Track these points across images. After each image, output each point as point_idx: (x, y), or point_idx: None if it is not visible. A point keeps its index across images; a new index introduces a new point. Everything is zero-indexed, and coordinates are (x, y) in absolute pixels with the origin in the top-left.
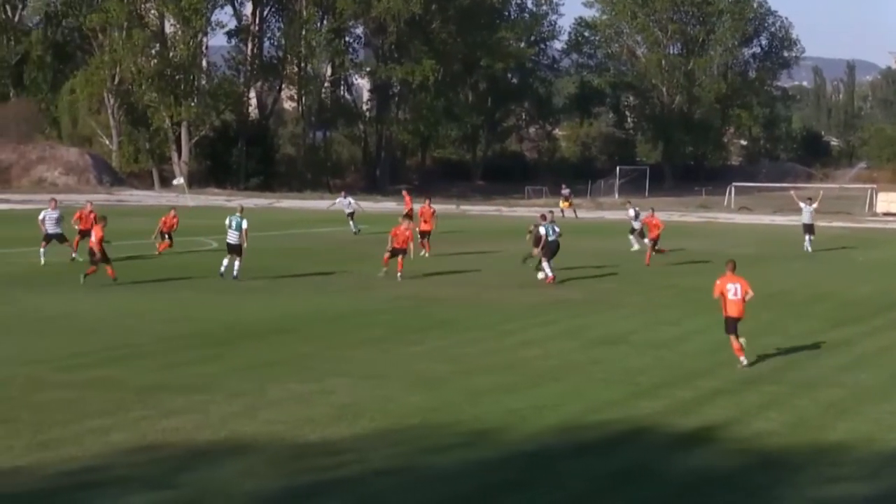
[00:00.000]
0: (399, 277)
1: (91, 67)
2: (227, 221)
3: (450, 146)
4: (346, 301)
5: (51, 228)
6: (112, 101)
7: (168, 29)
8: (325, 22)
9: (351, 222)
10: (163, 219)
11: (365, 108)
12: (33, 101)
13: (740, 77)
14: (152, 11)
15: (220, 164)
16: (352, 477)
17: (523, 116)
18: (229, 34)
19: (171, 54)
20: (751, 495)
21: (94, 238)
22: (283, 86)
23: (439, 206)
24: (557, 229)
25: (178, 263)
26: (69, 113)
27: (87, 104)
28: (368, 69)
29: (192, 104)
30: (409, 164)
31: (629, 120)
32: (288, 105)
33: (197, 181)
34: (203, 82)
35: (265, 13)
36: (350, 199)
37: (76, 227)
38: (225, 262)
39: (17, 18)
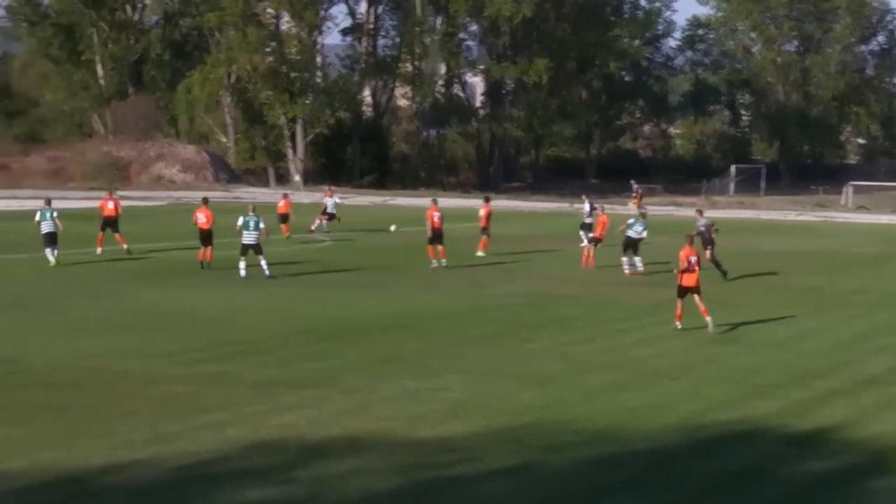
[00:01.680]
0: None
1: (208, 66)
2: (240, 221)
3: (563, 144)
4: (460, 298)
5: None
6: (228, 98)
7: (283, 27)
8: (439, 21)
9: (322, 220)
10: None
11: (478, 106)
12: (152, 99)
13: (857, 75)
14: (268, 10)
15: (335, 162)
16: (465, 474)
17: (637, 114)
18: (344, 32)
19: (286, 52)
20: (866, 499)
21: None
22: (398, 84)
23: (552, 205)
24: (639, 227)
25: (292, 259)
26: (187, 111)
27: (204, 102)
28: (482, 67)
29: (307, 102)
30: (523, 163)
31: (744, 118)
32: (402, 103)
33: (312, 178)
34: (318, 80)
35: (379, 11)
36: (336, 200)
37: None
38: (242, 264)
39: (136, 17)
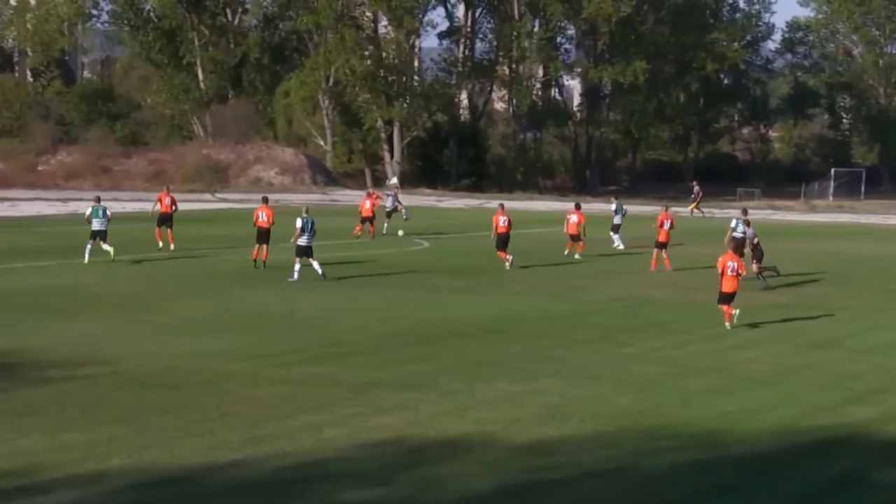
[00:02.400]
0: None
1: (305, 69)
2: (298, 223)
3: (661, 147)
4: (558, 301)
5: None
6: (326, 101)
7: (381, 30)
8: (536, 24)
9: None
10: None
11: (575, 108)
12: (251, 103)
13: None
14: (366, 14)
15: (432, 165)
16: (562, 478)
17: (735, 117)
18: (441, 35)
19: (383, 55)
20: None
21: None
22: (495, 87)
23: (649, 208)
24: (742, 227)
25: (390, 262)
26: (285, 114)
27: (301, 105)
28: (579, 70)
29: (404, 105)
30: (620, 165)
31: (845, 121)
32: (499, 106)
33: (408, 181)
34: (415, 83)
35: (477, 14)
36: (391, 195)
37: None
38: (297, 267)
39: (236, 21)
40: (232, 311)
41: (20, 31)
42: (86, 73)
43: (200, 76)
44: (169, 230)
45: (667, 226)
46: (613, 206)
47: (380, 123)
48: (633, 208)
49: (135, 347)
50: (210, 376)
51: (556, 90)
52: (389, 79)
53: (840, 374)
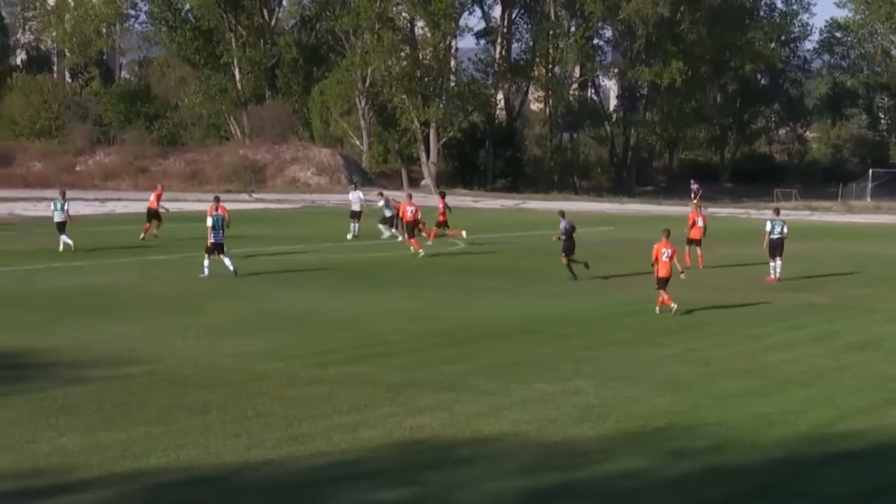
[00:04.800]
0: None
1: (342, 69)
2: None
3: (697, 148)
4: (593, 302)
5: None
6: (362, 102)
7: (418, 31)
8: (573, 24)
9: (354, 224)
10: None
11: (612, 109)
12: (287, 103)
13: None
14: (403, 14)
15: (468, 165)
16: (597, 479)
17: (773, 118)
18: (478, 36)
19: (420, 56)
20: None
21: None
22: (531, 87)
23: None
24: (780, 227)
25: (424, 262)
26: (321, 114)
27: (338, 105)
28: (616, 71)
29: (441, 105)
30: (656, 166)
31: (883, 121)
32: (535, 107)
33: (445, 182)
34: (451, 84)
35: (514, 15)
36: (359, 194)
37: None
38: (206, 263)
39: (273, 22)
40: (267, 311)
41: (59, 32)
42: (124, 74)
43: (237, 76)
44: (148, 224)
45: (699, 223)
46: (381, 202)
47: (416, 124)
48: (667, 209)
49: (171, 347)
50: (246, 376)
51: (593, 91)
52: (426, 79)
53: (877, 375)
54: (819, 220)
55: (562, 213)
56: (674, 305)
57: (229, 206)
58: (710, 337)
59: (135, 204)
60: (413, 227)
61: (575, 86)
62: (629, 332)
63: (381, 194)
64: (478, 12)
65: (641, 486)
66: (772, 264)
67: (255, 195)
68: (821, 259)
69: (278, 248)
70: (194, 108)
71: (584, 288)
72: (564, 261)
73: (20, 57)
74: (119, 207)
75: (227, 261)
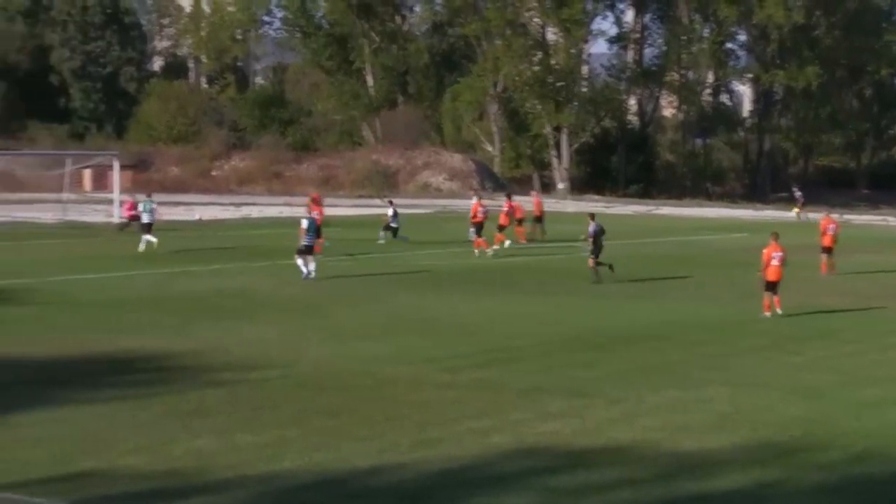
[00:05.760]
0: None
1: (473, 75)
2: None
3: (833, 154)
4: (727, 309)
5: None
6: (494, 107)
7: (549, 37)
8: (706, 29)
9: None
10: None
11: (746, 115)
12: (419, 108)
13: None
14: (534, 19)
15: (600, 171)
16: (732, 489)
17: None
18: (610, 41)
19: (552, 62)
20: None
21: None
22: (664, 93)
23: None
24: None
25: (555, 267)
26: (453, 119)
27: (469, 111)
28: (750, 76)
29: (573, 111)
30: (791, 172)
31: None
32: (668, 112)
33: (577, 187)
34: (583, 89)
35: (646, 20)
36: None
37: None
38: (300, 262)
39: (405, 28)
40: (397, 315)
41: (195, 38)
42: (258, 80)
43: (370, 82)
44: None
45: (830, 230)
46: (390, 211)
47: (548, 129)
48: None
49: (303, 351)
50: (376, 380)
51: (727, 96)
52: (557, 84)
53: None
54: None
55: (591, 216)
56: (779, 310)
57: (361, 211)
58: (846, 344)
59: (269, 209)
60: (481, 228)
61: (708, 91)
62: (763, 339)
63: (389, 203)
64: (610, 17)
65: (778, 497)
66: None
67: (386, 200)
68: None
69: (408, 252)
70: (327, 114)
71: (716, 294)
72: (591, 263)
73: (158, 63)
74: (254, 212)
75: (311, 264)
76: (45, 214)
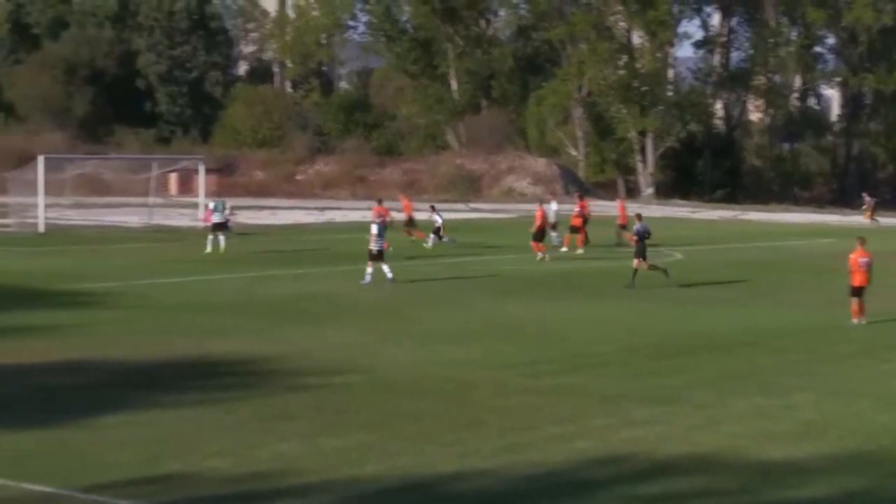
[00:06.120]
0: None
1: (558, 79)
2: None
3: None
4: (815, 315)
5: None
6: (579, 111)
7: (635, 41)
8: (794, 32)
9: (554, 234)
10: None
11: (834, 119)
12: (503, 113)
13: None
14: (620, 23)
15: (686, 176)
16: (818, 499)
17: None
18: (696, 45)
19: (637, 66)
20: None
21: None
22: (751, 97)
23: None
24: None
25: (640, 273)
26: (537, 124)
27: (554, 115)
28: (839, 79)
29: (658, 115)
30: (881, 177)
31: None
32: (754, 116)
33: (662, 192)
34: (669, 93)
35: (733, 23)
36: (554, 206)
37: None
38: (369, 270)
39: (490, 32)
40: (480, 319)
41: (280, 43)
42: (342, 84)
43: (454, 86)
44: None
45: None
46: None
47: (633, 133)
48: (892, 221)
49: (387, 355)
50: (459, 385)
51: (815, 100)
52: (643, 89)
53: None
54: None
55: (638, 216)
56: (864, 319)
57: (446, 215)
58: None
59: (353, 213)
60: (542, 233)
61: (795, 94)
62: (852, 346)
63: (432, 208)
64: (696, 21)
65: None
66: None
67: (470, 205)
68: None
69: (491, 257)
70: (411, 118)
71: (804, 300)
72: (636, 264)
73: (243, 68)
74: (338, 216)
75: (385, 267)
76: (132, 218)
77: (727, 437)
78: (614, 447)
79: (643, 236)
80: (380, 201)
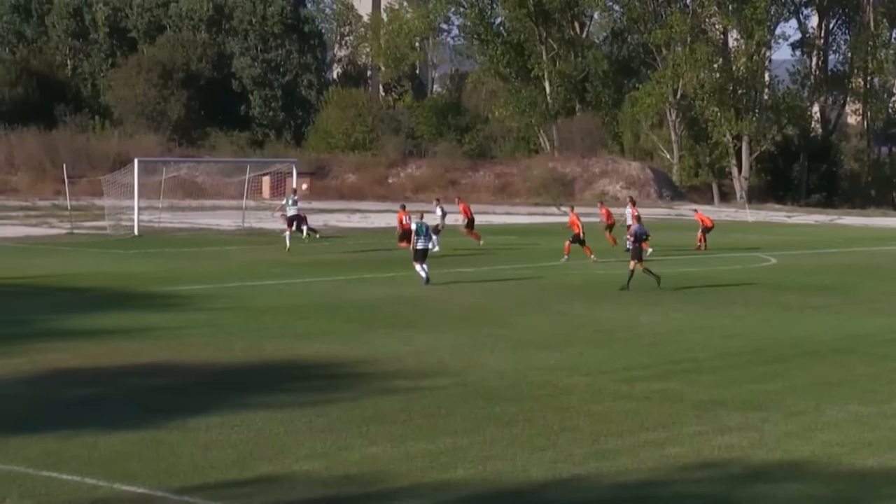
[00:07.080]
0: None
1: (652, 82)
2: (413, 227)
3: None
4: None
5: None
6: (673, 115)
7: (731, 43)
8: (894, 34)
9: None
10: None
11: None
12: (597, 116)
13: None
14: (716, 25)
15: (781, 180)
16: None
17: None
18: (793, 46)
19: (733, 68)
20: None
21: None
22: (849, 100)
23: None
24: None
25: (735, 278)
26: (631, 127)
27: (648, 118)
28: None
29: (754, 118)
30: None
31: None
32: (852, 119)
33: (756, 196)
34: (765, 96)
35: (832, 25)
36: (440, 210)
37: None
38: (419, 268)
39: (584, 35)
40: (574, 324)
41: (374, 47)
42: (435, 87)
43: (547, 89)
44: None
45: None
46: (438, 211)
47: (728, 137)
48: None
49: (478, 359)
50: (552, 389)
51: None
52: (738, 92)
53: None
54: None
55: (637, 218)
56: None
57: (536, 219)
58: None
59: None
60: (579, 240)
61: (895, 98)
62: None
63: (436, 201)
64: (793, 23)
65: None
66: None
67: (562, 208)
68: None
69: (580, 261)
70: (504, 121)
71: None
72: (632, 265)
73: (336, 71)
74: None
75: (424, 267)
76: (225, 221)
77: (822, 445)
78: (707, 454)
79: (641, 239)
80: (403, 207)
